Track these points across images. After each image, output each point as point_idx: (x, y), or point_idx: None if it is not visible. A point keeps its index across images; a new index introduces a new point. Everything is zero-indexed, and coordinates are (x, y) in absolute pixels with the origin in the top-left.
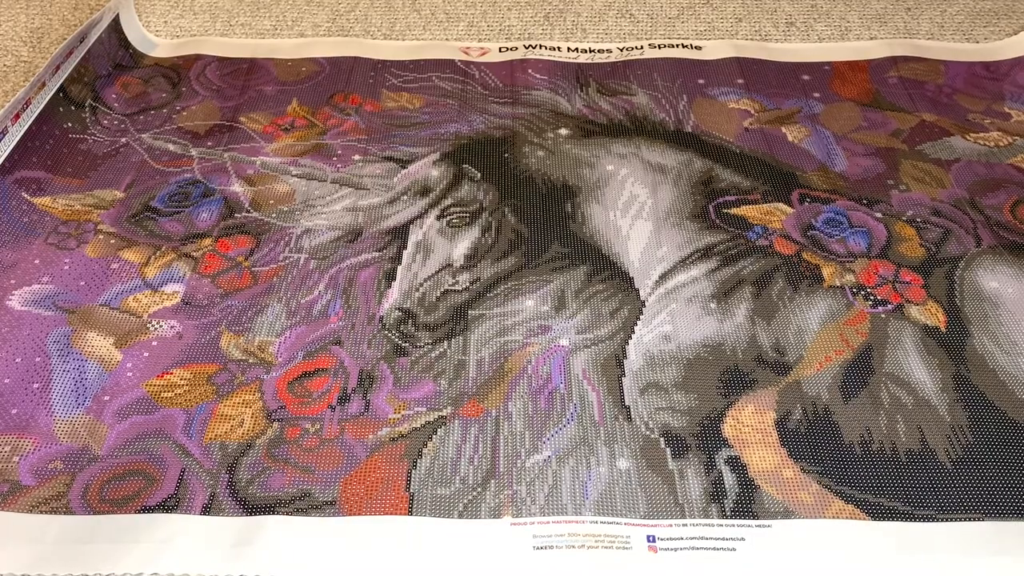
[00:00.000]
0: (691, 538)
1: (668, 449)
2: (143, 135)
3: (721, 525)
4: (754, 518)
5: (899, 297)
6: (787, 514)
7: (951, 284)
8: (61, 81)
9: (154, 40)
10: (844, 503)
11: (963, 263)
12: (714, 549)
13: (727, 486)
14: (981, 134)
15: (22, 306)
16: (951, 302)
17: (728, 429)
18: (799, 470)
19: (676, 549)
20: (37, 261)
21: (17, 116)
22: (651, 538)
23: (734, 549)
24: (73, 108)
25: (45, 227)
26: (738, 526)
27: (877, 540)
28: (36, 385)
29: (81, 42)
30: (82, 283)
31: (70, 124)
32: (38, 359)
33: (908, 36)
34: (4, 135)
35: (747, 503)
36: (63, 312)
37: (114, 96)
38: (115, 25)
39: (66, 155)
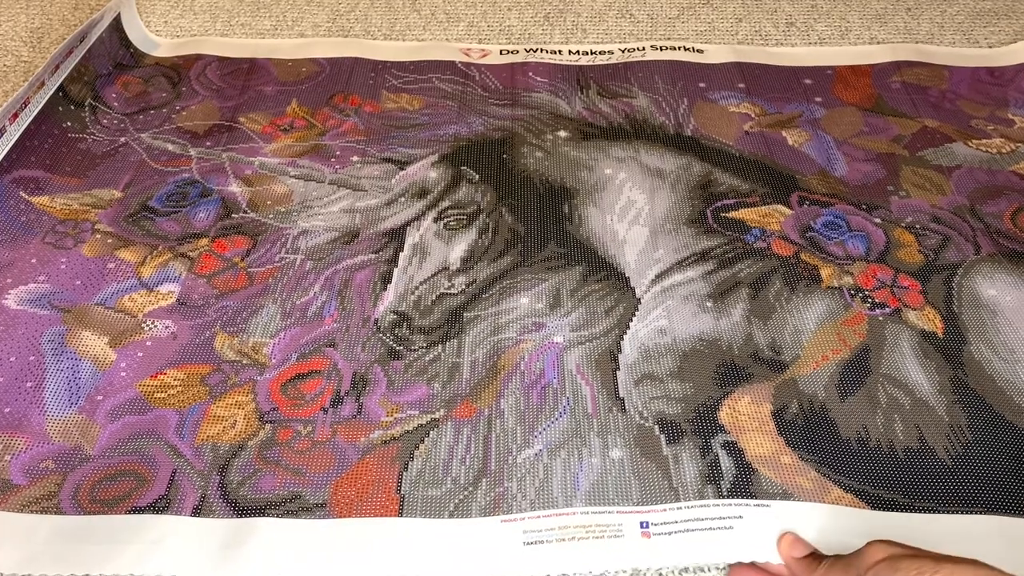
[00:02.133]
0: (686, 520)
1: (663, 436)
2: (142, 135)
3: (718, 505)
4: (752, 498)
5: (897, 301)
6: (786, 496)
7: (949, 291)
8: (61, 80)
9: (155, 40)
10: (843, 492)
11: (962, 270)
12: (710, 529)
13: (723, 468)
14: (983, 140)
15: (18, 305)
16: (949, 309)
17: (724, 416)
18: (797, 457)
19: (670, 533)
20: (34, 260)
21: (15, 115)
22: (644, 524)
23: (731, 527)
24: (73, 107)
25: (43, 226)
26: (736, 505)
27: (878, 527)
28: (29, 384)
29: (81, 41)
30: (78, 282)
31: (69, 123)
32: (32, 358)
33: (908, 36)
34: (2, 134)
35: (745, 484)
36: (59, 311)
37: (114, 95)
38: (116, 24)
39: (65, 154)
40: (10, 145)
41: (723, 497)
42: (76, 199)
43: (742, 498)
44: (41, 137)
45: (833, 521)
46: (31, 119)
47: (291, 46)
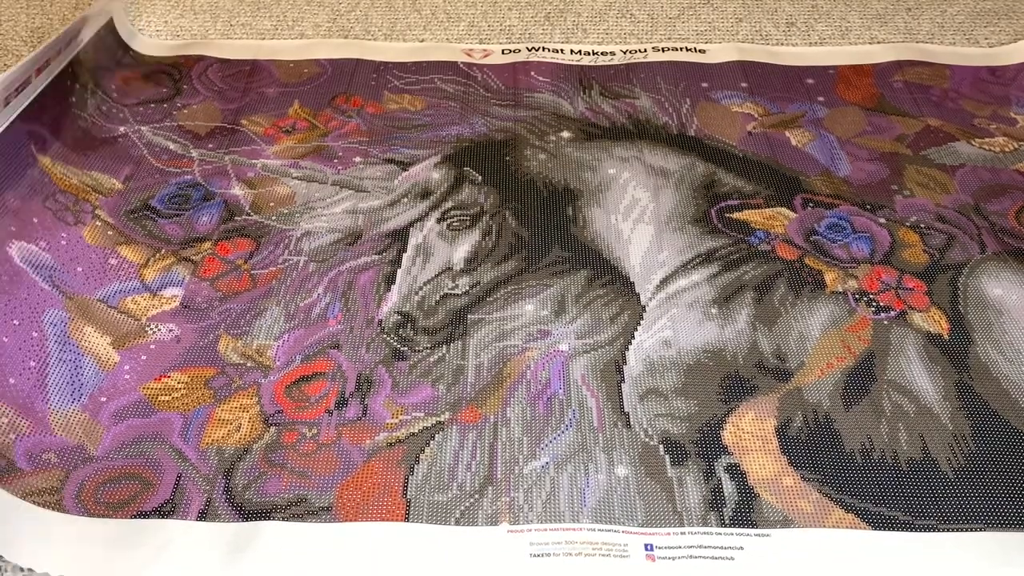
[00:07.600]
0: (689, 547)
1: (667, 456)
2: (142, 127)
3: (720, 534)
4: (753, 527)
5: (902, 304)
6: (786, 523)
7: (955, 291)
8: (67, 61)
9: (153, 43)
10: (844, 512)
11: (967, 269)
12: (712, 558)
13: (726, 494)
14: (986, 139)
15: (21, 262)
16: (955, 309)
17: (728, 436)
18: (799, 478)
19: (674, 558)
20: (35, 220)
21: (40, 70)
22: (649, 546)
23: (732, 558)
24: (77, 86)
25: (45, 188)
26: (737, 535)
27: (877, 549)
28: (32, 363)
29: (76, 39)
30: (79, 269)
31: (74, 99)
32: (35, 334)
33: (908, 36)
34: (27, 85)
35: (746, 512)
36: (60, 293)
37: (114, 87)
38: (110, 27)
39: (67, 126)
40: (32, 97)
41: (725, 525)
42: (75, 174)
43: (743, 527)
44: (52, 100)
45: (833, 546)
46: (47, 82)
47: (293, 47)
